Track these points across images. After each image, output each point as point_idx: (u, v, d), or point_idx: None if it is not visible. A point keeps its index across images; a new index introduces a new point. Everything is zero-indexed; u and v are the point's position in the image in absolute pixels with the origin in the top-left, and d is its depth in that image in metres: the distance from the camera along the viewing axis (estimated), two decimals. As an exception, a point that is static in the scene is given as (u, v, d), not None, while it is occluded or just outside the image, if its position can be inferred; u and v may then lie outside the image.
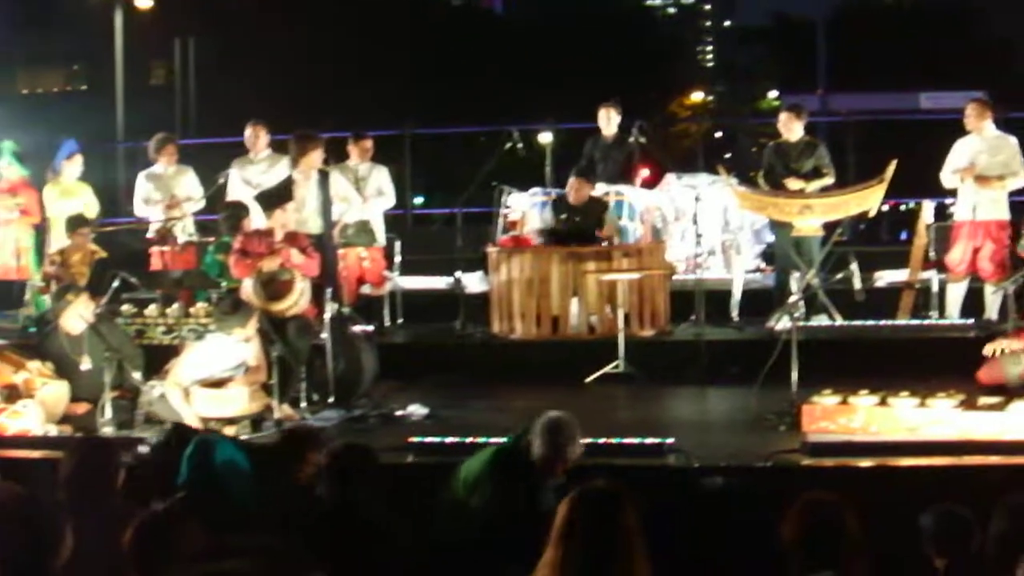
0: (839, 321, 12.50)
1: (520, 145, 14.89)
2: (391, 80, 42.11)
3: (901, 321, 12.76)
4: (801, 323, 10.96)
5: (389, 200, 13.79)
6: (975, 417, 8.54)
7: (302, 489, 6.54)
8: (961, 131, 12.84)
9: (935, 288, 13.08)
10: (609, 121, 14.91)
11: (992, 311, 12.52)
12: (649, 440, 8.46)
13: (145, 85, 42.26)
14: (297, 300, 10.55)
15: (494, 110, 30.85)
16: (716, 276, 14.85)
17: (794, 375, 9.60)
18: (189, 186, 14.05)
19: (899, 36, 49.68)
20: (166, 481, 6.68)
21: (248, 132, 13.73)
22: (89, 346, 10.06)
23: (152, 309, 11.32)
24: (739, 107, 66.55)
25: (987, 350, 10.04)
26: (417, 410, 10.28)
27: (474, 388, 11.56)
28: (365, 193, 13.37)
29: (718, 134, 57.19)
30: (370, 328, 12.39)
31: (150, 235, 13.69)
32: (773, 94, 61.62)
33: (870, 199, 12.33)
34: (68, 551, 5.03)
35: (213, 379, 9.71)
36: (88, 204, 14.15)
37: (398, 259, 14.17)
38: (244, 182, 13.41)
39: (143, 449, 7.69)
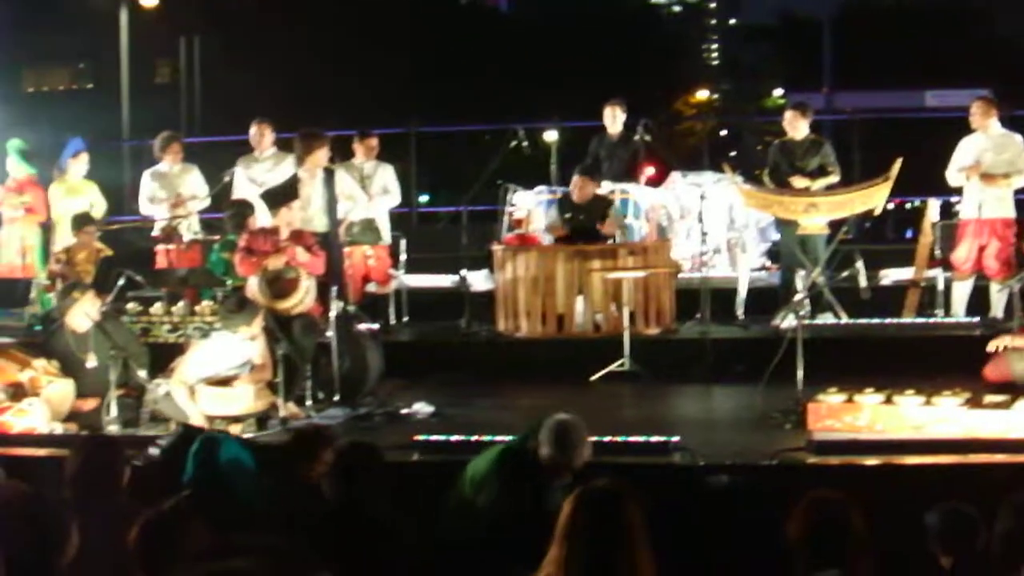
0: (844, 319, 12.49)
1: (525, 143, 14.90)
2: (396, 78, 42.11)
3: (907, 319, 12.75)
4: (807, 321, 10.96)
5: (394, 198, 13.78)
6: (981, 415, 8.54)
7: (308, 488, 6.54)
8: (966, 129, 12.83)
9: (941, 286, 13.09)
10: (614, 119, 14.91)
11: (998, 309, 12.51)
12: (654, 438, 8.45)
13: (150, 83, 42.34)
14: (302, 298, 10.55)
15: (499, 108, 30.81)
16: (721, 274, 14.85)
17: (799, 373, 9.60)
18: (194, 184, 14.06)
19: (904, 34, 49.66)
20: (172, 481, 6.69)
21: (253, 130, 13.74)
22: (95, 344, 10.07)
23: (157, 307, 11.31)
24: (744, 105, 66.50)
25: (991, 346, 10.03)
26: (422, 408, 10.29)
27: (479, 386, 11.56)
28: (370, 191, 13.37)
29: (723, 132, 57.24)
30: (375, 326, 12.41)
31: (155, 233, 13.69)
32: (778, 92, 61.54)
33: (875, 197, 12.33)
34: (74, 549, 5.04)
35: (218, 377, 9.71)
36: (95, 203, 14.16)
37: (403, 257, 14.21)
38: (249, 180, 13.41)
39: (153, 451, 7.69)
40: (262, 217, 11.83)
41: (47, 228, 14.22)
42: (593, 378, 11.43)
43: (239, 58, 39.29)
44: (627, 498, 4.84)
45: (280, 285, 10.57)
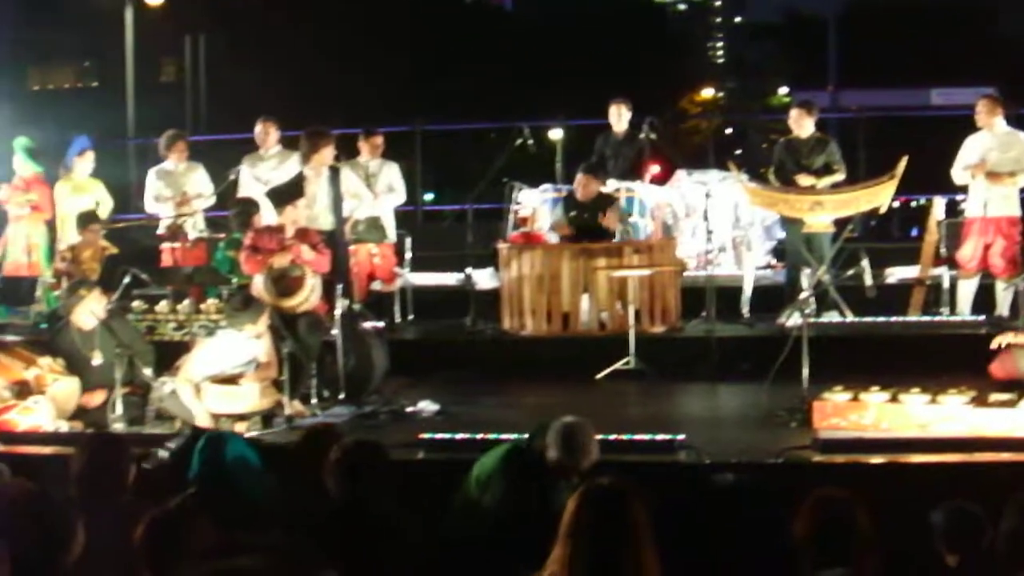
0: (850, 317, 12.48)
1: (531, 141, 14.87)
2: (401, 77, 42.15)
3: (912, 317, 12.75)
4: (812, 319, 10.94)
5: (400, 196, 13.78)
6: (986, 414, 8.53)
7: (314, 486, 6.53)
8: (972, 127, 12.82)
9: (946, 284, 13.07)
10: (620, 117, 14.92)
11: (1003, 307, 12.51)
12: (660, 436, 8.44)
13: (155, 82, 42.35)
14: (308, 296, 10.54)
15: (504, 107, 30.80)
16: (727, 272, 14.83)
17: (805, 371, 9.60)
18: (199, 183, 14.06)
19: (910, 32, 49.64)
20: (180, 482, 6.69)
21: (258, 128, 13.74)
22: (100, 342, 10.07)
23: (163, 305, 11.32)
24: (750, 103, 66.47)
25: (994, 343, 10.03)
26: (427, 406, 10.28)
27: (485, 384, 11.56)
28: (376, 189, 13.37)
29: (729, 130, 57.22)
30: (381, 324, 12.39)
31: (161, 232, 13.69)
32: (784, 90, 61.53)
33: (881, 195, 12.32)
34: (79, 547, 5.04)
35: (224, 375, 9.71)
36: (101, 201, 14.17)
37: (409, 255, 14.21)
38: (254, 178, 13.41)
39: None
40: (267, 215, 11.84)
41: (53, 226, 14.23)
42: (598, 376, 11.43)
43: (244, 56, 39.32)
44: (631, 496, 4.84)
45: (285, 283, 10.57)
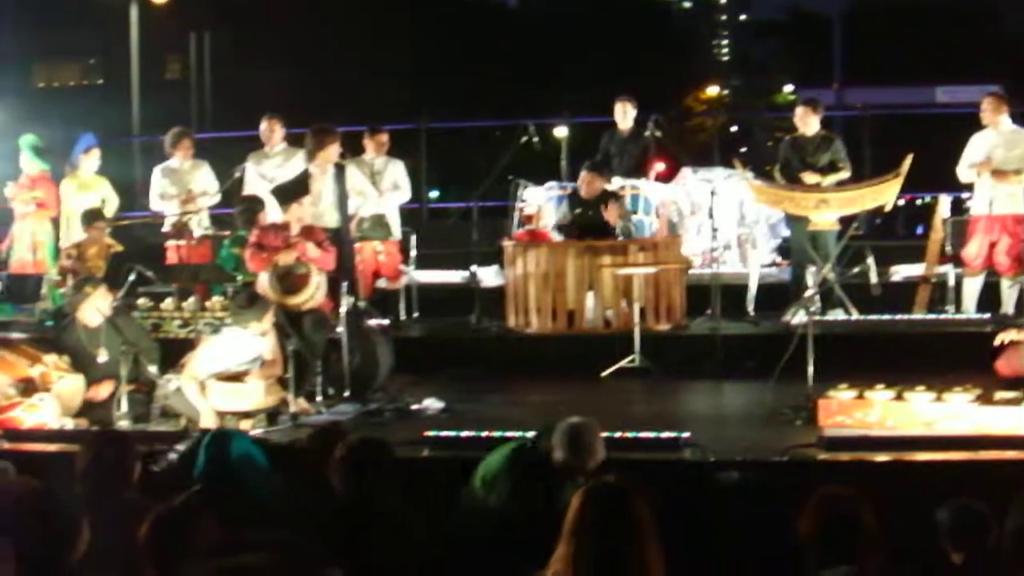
0: (855, 315, 12.47)
1: (536, 139, 14.90)
2: (406, 74, 42.13)
3: (917, 315, 12.73)
4: (817, 317, 10.95)
5: (405, 194, 13.77)
6: (991, 412, 8.53)
7: (319, 483, 6.53)
8: (977, 125, 12.81)
9: (951, 282, 13.05)
10: (625, 115, 14.91)
11: (1009, 305, 12.50)
12: (665, 434, 8.44)
13: (160, 79, 42.38)
14: (313, 294, 10.55)
15: (510, 104, 30.82)
16: (732, 270, 14.84)
17: (810, 369, 9.60)
18: (205, 181, 14.06)
19: (915, 30, 49.61)
20: (188, 483, 6.70)
21: (263, 126, 13.76)
22: (106, 339, 10.09)
23: (168, 303, 11.32)
24: (755, 101, 66.44)
25: (997, 340, 10.02)
26: (433, 404, 10.29)
27: (490, 382, 11.56)
28: (381, 187, 13.36)
29: (734, 128, 57.27)
30: (386, 322, 12.39)
31: (166, 229, 13.69)
32: (789, 88, 61.53)
33: (886, 193, 12.31)
34: (85, 545, 5.04)
35: (229, 373, 9.72)
36: (107, 198, 14.17)
37: (414, 253, 14.22)
38: (259, 176, 13.42)
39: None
40: (272, 213, 11.84)
41: (58, 224, 14.24)
42: (603, 374, 11.43)
43: (249, 54, 39.36)
44: (635, 494, 4.83)
45: (291, 281, 10.57)
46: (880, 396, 8.81)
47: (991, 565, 5.76)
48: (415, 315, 14.07)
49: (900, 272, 14.47)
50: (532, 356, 12.18)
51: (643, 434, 8.43)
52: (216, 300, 11.34)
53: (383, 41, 42.20)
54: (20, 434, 9.18)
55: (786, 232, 14.66)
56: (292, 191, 11.33)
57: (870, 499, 5.35)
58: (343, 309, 10.51)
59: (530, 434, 7.33)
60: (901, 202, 21.05)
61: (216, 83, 37.16)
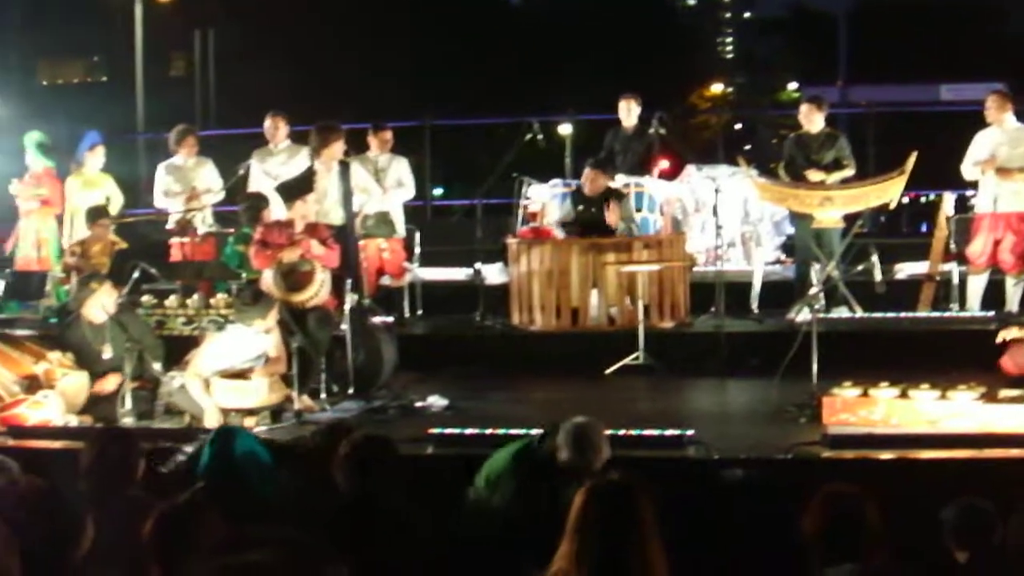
0: (859, 313, 12.46)
1: (540, 136, 14.89)
2: (410, 71, 42.13)
3: (921, 313, 12.71)
4: (821, 315, 10.93)
5: (409, 191, 13.77)
6: (996, 410, 8.53)
7: (323, 480, 6.53)
8: (982, 123, 12.80)
9: (956, 280, 13.05)
10: (629, 112, 14.91)
11: (1013, 303, 12.50)
12: (669, 432, 8.43)
13: (165, 76, 42.41)
14: (317, 291, 10.54)
15: (514, 101, 30.78)
16: (736, 268, 14.81)
17: (814, 367, 9.60)
18: (209, 178, 14.07)
19: (919, 28, 49.56)
20: (191, 478, 6.71)
21: (268, 123, 13.77)
22: (111, 335, 10.09)
23: (172, 300, 11.33)
24: (759, 99, 66.33)
25: (999, 338, 10.01)
26: (437, 401, 10.28)
27: (494, 379, 11.55)
28: (385, 184, 13.36)
29: (738, 126, 57.18)
30: (390, 319, 12.40)
31: (170, 226, 13.69)
32: (793, 86, 61.45)
33: (890, 191, 12.29)
34: (89, 542, 5.05)
35: (233, 370, 9.72)
36: (112, 196, 14.17)
37: (418, 250, 14.22)
38: (264, 173, 13.42)
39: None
40: (277, 210, 11.84)
41: (59, 221, 14.24)
42: (608, 371, 11.42)
43: (253, 51, 39.31)
44: (638, 491, 4.83)
45: (295, 278, 10.57)
46: (884, 394, 8.81)
47: (996, 564, 5.75)
48: (419, 312, 14.07)
49: (904, 270, 14.47)
50: (536, 353, 12.18)
51: (647, 431, 8.42)
52: (220, 297, 11.34)
53: (387, 38, 42.18)
54: (24, 431, 9.20)
55: (790, 230, 14.67)
56: (297, 188, 11.34)
57: (874, 497, 5.35)
58: (347, 306, 10.52)
59: (534, 432, 7.34)
60: (905, 200, 20.99)
61: (220, 80, 37.13)
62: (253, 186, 13.25)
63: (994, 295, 12.72)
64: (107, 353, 10.07)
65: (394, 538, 5.76)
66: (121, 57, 36.12)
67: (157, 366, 10.00)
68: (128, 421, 9.55)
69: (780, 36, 70.25)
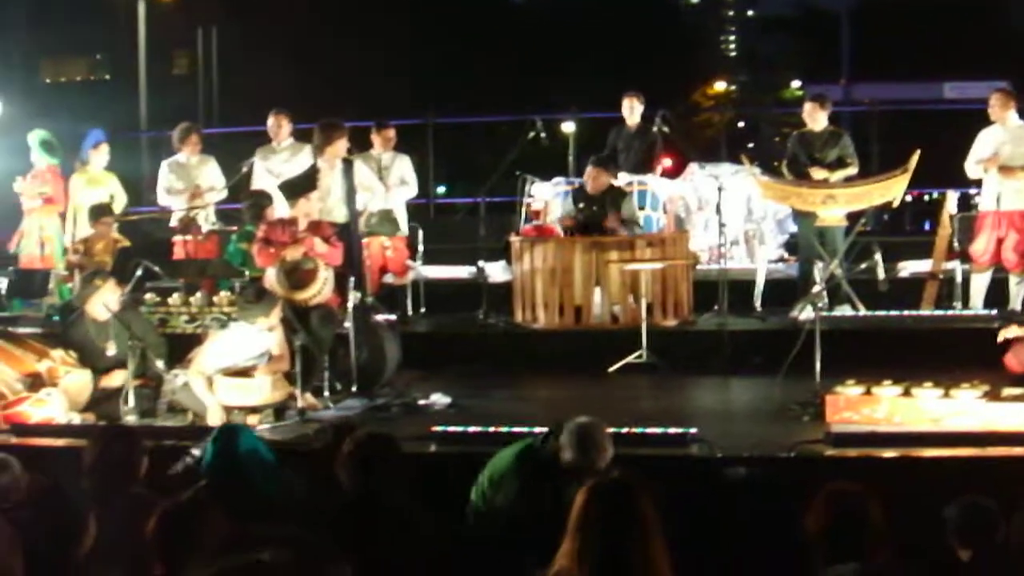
0: (862, 311, 12.46)
1: (543, 134, 14.89)
2: (413, 69, 42.12)
3: (925, 311, 12.71)
4: (824, 313, 10.93)
5: (412, 189, 13.79)
6: (999, 408, 8.52)
7: (326, 479, 6.53)
8: (985, 121, 12.80)
9: (959, 278, 13.04)
10: (632, 111, 14.92)
11: (1016, 302, 12.50)
12: (672, 430, 8.44)
13: (168, 74, 42.36)
14: (320, 289, 10.54)
15: (517, 99, 30.79)
16: (739, 266, 14.83)
17: (817, 365, 9.60)
18: (212, 176, 14.07)
19: (922, 26, 49.50)
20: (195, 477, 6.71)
21: (271, 121, 13.78)
22: (115, 332, 10.10)
23: (175, 298, 11.31)
24: (762, 97, 66.22)
25: (1000, 337, 10.01)
26: (440, 399, 10.27)
27: (497, 377, 11.55)
28: (388, 182, 13.37)
29: (741, 124, 57.08)
30: (393, 317, 12.39)
31: (173, 224, 13.69)
32: (796, 84, 61.38)
33: (894, 189, 12.29)
34: (91, 539, 5.05)
35: (236, 368, 9.72)
36: (115, 195, 14.17)
37: (421, 248, 14.20)
38: (267, 171, 13.42)
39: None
40: (280, 208, 11.84)
41: (61, 219, 14.25)
42: (611, 370, 11.42)
43: (256, 49, 39.30)
44: (639, 489, 4.83)
45: (298, 276, 10.57)
46: (887, 392, 8.80)
47: (999, 562, 5.75)
48: (422, 310, 14.06)
49: (908, 268, 14.47)
50: (539, 352, 12.19)
51: (650, 430, 8.43)
52: (223, 295, 11.31)
53: (390, 36, 42.16)
54: (27, 429, 9.20)
55: (793, 228, 14.67)
56: (300, 186, 11.34)
57: (877, 495, 5.34)
58: (350, 304, 10.52)
59: (538, 430, 7.34)
60: (909, 198, 21.03)
61: (223, 78, 37.11)
62: (256, 184, 13.25)
63: (997, 293, 12.71)
64: (111, 350, 10.08)
65: (397, 536, 5.76)
66: (124, 55, 36.11)
67: (160, 364, 9.99)
68: (131, 419, 9.54)
69: (783, 34, 70.12)
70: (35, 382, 9.74)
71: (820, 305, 10.49)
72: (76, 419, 9.59)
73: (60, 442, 8.86)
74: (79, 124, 16.33)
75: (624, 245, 12.47)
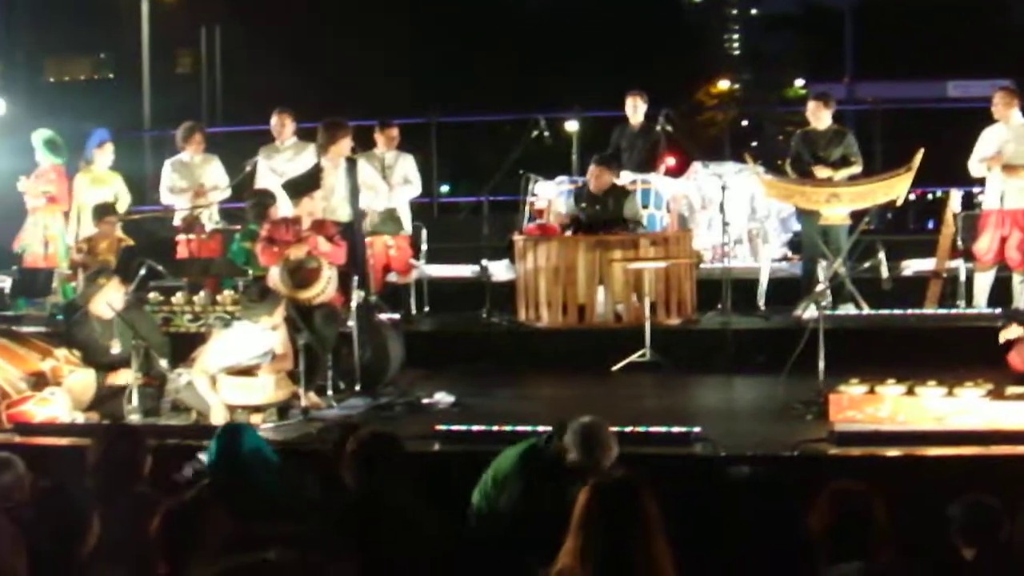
0: (866, 310, 12.46)
1: (547, 133, 14.89)
2: (416, 68, 42.13)
3: (928, 310, 12.71)
4: (828, 312, 10.93)
5: (415, 188, 13.79)
6: (1003, 407, 8.51)
7: (330, 478, 6.54)
8: (989, 119, 12.79)
9: (962, 277, 13.04)
10: (636, 109, 14.91)
11: (1020, 300, 12.48)
12: (676, 429, 8.44)
13: (171, 73, 42.36)
14: (324, 288, 10.54)
15: (520, 98, 30.77)
16: (743, 265, 14.83)
17: (821, 364, 9.59)
18: (215, 175, 14.06)
19: (926, 24, 49.48)
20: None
21: (274, 120, 13.76)
22: (119, 330, 10.10)
23: (179, 297, 11.34)
24: (766, 95, 66.21)
25: (1002, 337, 10.00)
26: (443, 398, 10.27)
27: (500, 376, 11.55)
28: (391, 181, 13.37)
29: (745, 122, 57.14)
30: (396, 316, 12.41)
31: (176, 223, 13.69)
32: (800, 82, 61.36)
33: (897, 188, 12.28)
34: (95, 538, 5.05)
35: (240, 367, 9.71)
36: (120, 194, 14.17)
37: (424, 247, 14.20)
38: (270, 170, 13.42)
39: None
40: (284, 207, 11.85)
41: (64, 218, 14.25)
42: (614, 368, 11.41)
43: (260, 48, 39.31)
44: (641, 488, 4.84)
45: (302, 275, 10.57)
46: (891, 391, 8.80)
47: (1003, 560, 5.75)
48: (426, 309, 14.06)
49: (911, 267, 14.46)
50: (543, 350, 12.19)
51: (654, 429, 8.43)
52: (227, 294, 11.34)
53: (393, 35, 42.18)
54: (31, 428, 9.21)
55: (797, 227, 14.65)
56: (304, 185, 11.34)
57: (881, 494, 5.34)
58: (354, 303, 10.52)
59: (542, 429, 7.34)
60: (912, 197, 21.02)
61: (227, 77, 37.13)
62: (260, 183, 13.25)
63: (1001, 292, 12.70)
64: (115, 349, 10.08)
65: (401, 535, 5.76)
66: (127, 54, 36.07)
67: (164, 363, 9.99)
68: (135, 418, 9.55)
69: (787, 32, 70.15)
70: (39, 381, 9.75)
71: (824, 304, 10.49)
72: (80, 418, 9.59)
73: (64, 441, 8.87)
74: (83, 123, 16.34)
75: (627, 244, 12.46)
